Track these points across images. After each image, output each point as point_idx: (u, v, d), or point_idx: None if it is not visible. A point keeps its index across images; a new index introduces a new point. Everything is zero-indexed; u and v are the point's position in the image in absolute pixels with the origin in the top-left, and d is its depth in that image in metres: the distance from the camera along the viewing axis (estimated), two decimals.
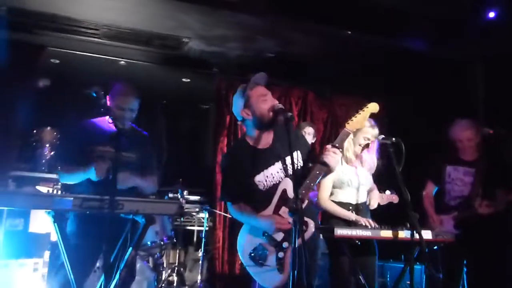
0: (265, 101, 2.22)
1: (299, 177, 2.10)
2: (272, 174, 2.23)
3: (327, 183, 2.85)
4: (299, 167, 2.24)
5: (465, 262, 3.20)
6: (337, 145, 2.15)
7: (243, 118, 2.29)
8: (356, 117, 2.29)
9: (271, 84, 5.03)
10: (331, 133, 5.19)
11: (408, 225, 2.52)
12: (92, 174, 2.21)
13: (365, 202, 2.95)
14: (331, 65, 4.66)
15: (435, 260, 3.31)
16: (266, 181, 2.22)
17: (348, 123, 2.27)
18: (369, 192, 3.02)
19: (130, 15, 3.76)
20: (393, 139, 2.69)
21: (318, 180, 2.14)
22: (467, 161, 3.33)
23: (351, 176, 2.88)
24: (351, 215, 2.81)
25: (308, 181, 2.11)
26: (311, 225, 2.13)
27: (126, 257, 1.96)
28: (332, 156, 2.11)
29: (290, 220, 2.04)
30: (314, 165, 2.16)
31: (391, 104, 4.99)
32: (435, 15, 3.70)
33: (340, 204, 2.88)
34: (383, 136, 2.78)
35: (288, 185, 2.18)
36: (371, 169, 2.98)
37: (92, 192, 2.09)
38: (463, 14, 3.65)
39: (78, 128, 2.53)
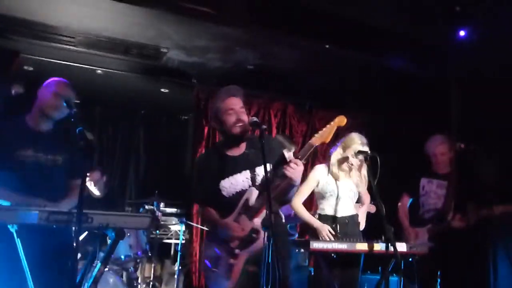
0: (230, 114, 2.23)
1: (269, 189, 2.05)
2: (237, 182, 2.23)
3: (304, 190, 2.94)
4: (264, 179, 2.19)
5: (439, 273, 3.24)
6: (299, 157, 2.12)
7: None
8: (323, 130, 2.24)
9: (251, 96, 5.08)
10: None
11: (383, 237, 2.54)
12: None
13: (351, 216, 2.97)
14: (311, 79, 4.70)
15: (410, 272, 3.34)
16: (230, 187, 2.23)
17: (314, 136, 2.23)
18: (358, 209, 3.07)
19: (107, 23, 3.71)
20: (369, 152, 2.73)
21: (276, 190, 2.12)
22: (440, 174, 3.42)
23: (334, 187, 2.91)
24: (315, 222, 2.83)
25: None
26: (263, 234, 2.08)
27: (94, 273, 1.88)
28: (293, 168, 2.07)
29: (244, 226, 2.10)
30: (283, 163, 2.12)
31: (370, 118, 5.08)
32: (412, 34, 3.80)
33: (325, 217, 2.90)
34: (359, 149, 2.82)
35: (252, 195, 2.16)
36: (359, 185, 3.00)
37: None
38: (439, 33, 3.76)
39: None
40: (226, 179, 2.24)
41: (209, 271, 2.19)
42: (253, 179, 2.22)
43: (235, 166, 2.25)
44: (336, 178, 2.94)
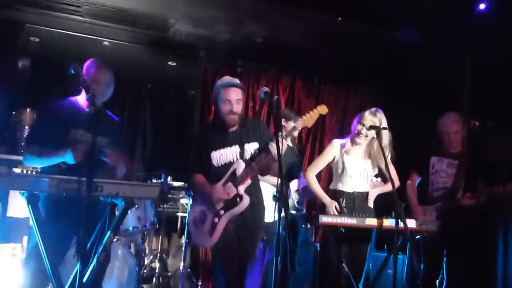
0: (226, 104, 2.50)
1: (250, 161, 2.43)
2: (226, 154, 2.53)
3: (319, 163, 3.04)
4: (252, 154, 2.52)
5: (445, 252, 3.23)
6: (285, 138, 2.42)
7: None
8: (306, 116, 2.50)
9: (259, 71, 4.99)
10: (318, 121, 5.15)
11: (393, 213, 2.53)
12: (69, 158, 2.14)
13: (360, 193, 2.96)
14: (320, 53, 4.59)
15: (417, 250, 3.34)
16: (220, 158, 2.54)
17: (297, 120, 2.51)
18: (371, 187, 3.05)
19: None
20: (381, 127, 2.69)
21: (261, 164, 2.42)
22: (451, 153, 3.36)
23: (349, 164, 2.90)
24: (324, 198, 2.86)
25: (253, 163, 2.44)
26: (245, 200, 2.43)
27: (104, 241, 1.89)
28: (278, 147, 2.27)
29: (229, 191, 2.42)
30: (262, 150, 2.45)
31: (379, 93, 5.00)
32: (425, 5, 3.67)
33: (333, 191, 2.92)
34: (370, 124, 2.78)
35: (239, 167, 2.47)
36: (375, 162, 2.96)
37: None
38: (454, 6, 3.63)
39: (55, 107, 2.42)
40: (218, 151, 2.53)
41: (195, 229, 2.50)
42: (241, 153, 2.52)
43: (226, 141, 2.54)
44: (353, 155, 2.93)
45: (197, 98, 5.34)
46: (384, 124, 2.82)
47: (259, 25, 4.08)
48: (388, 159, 2.82)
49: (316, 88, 5.23)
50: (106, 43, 4.47)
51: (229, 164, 2.51)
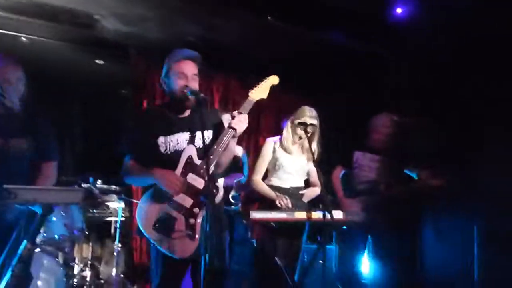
0: (181, 78, 2.21)
1: (208, 158, 2.08)
2: (177, 140, 2.21)
3: (261, 166, 3.00)
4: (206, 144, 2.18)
5: (369, 239, 3.45)
6: (242, 112, 2.19)
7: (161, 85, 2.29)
8: (257, 87, 2.32)
9: None
10: (253, 120, 5.23)
11: (321, 206, 2.64)
12: None
13: (297, 188, 3.05)
14: (254, 53, 4.66)
15: (345, 240, 3.52)
16: (169, 144, 2.20)
17: (251, 92, 2.29)
18: (309, 183, 3.12)
19: None
20: (308, 123, 2.80)
21: (223, 143, 2.13)
22: (374, 148, 3.58)
23: (284, 161, 2.97)
24: (271, 194, 2.90)
25: (215, 146, 2.12)
26: (220, 192, 2.13)
27: (19, 251, 1.75)
28: (240, 121, 2.16)
29: (196, 182, 2.06)
30: (222, 131, 2.18)
31: (315, 93, 5.19)
32: (353, 9, 3.87)
33: (272, 188, 2.97)
34: (299, 121, 2.90)
35: (192, 152, 2.17)
36: (310, 158, 3.05)
37: None
38: (378, 10, 3.87)
39: None
40: (166, 137, 2.20)
41: (164, 237, 2.02)
42: (191, 139, 2.22)
43: (176, 126, 2.23)
44: (288, 152, 3.01)
45: (128, 97, 5.17)
46: (315, 121, 2.95)
47: (190, 24, 4.04)
48: (316, 155, 2.95)
49: (250, 88, 5.29)
50: (24, 39, 4.15)
51: (180, 151, 2.18)
